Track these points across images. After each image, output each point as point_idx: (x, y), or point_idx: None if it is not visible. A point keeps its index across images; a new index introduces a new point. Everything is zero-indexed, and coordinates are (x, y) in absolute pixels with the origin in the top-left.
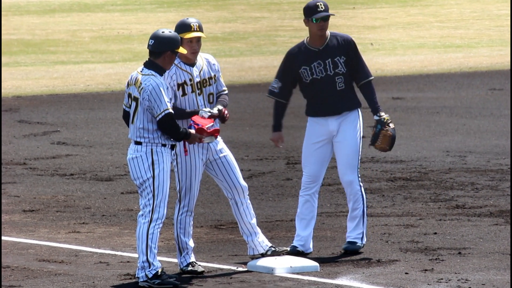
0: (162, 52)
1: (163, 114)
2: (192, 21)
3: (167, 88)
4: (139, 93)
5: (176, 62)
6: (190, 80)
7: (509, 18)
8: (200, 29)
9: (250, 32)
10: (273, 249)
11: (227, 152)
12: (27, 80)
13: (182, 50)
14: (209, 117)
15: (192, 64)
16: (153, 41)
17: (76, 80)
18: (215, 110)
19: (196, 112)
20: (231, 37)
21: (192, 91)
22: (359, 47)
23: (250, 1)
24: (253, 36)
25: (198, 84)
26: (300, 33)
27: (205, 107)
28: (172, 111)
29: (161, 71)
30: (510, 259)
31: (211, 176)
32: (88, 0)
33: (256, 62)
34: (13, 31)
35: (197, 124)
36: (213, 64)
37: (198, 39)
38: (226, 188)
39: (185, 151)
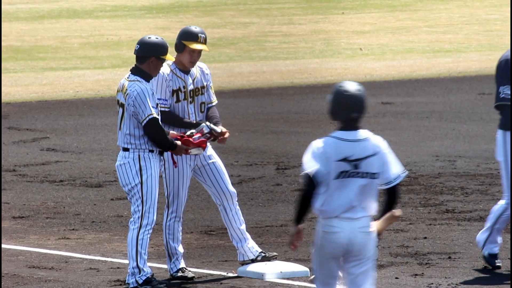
0: (147, 57)
1: (147, 119)
2: (199, 31)
3: (153, 94)
4: (125, 99)
5: (172, 67)
6: (184, 87)
7: (499, 22)
8: (205, 41)
9: (239, 38)
10: (263, 254)
11: (215, 159)
12: (16, 87)
13: (169, 57)
14: (209, 132)
15: (187, 71)
16: (138, 46)
17: (65, 87)
18: (218, 129)
19: (197, 124)
20: (220, 42)
21: (184, 99)
22: (348, 52)
23: (239, 6)
24: (242, 41)
25: (191, 92)
26: (289, 38)
27: (197, 116)
28: (157, 117)
29: (146, 77)
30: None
31: (199, 182)
32: (77, 6)
33: (245, 67)
34: (2, 37)
35: (182, 136)
36: (207, 74)
37: (200, 51)
38: (215, 194)
39: (174, 163)
